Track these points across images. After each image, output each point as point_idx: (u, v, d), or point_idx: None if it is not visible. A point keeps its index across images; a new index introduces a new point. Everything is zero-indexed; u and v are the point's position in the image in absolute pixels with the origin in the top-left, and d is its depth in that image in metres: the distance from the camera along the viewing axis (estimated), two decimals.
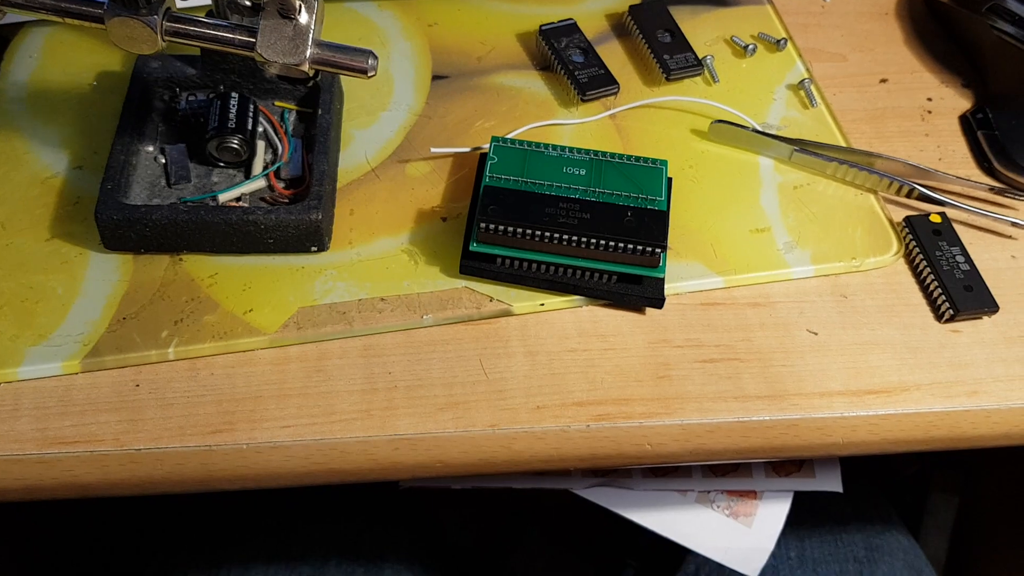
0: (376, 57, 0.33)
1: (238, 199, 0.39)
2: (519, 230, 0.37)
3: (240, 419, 0.34)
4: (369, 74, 0.33)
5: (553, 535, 0.53)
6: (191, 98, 0.42)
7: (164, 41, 0.32)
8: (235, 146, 0.40)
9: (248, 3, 0.32)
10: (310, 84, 0.38)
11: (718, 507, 0.47)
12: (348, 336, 0.37)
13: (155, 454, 0.34)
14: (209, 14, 0.38)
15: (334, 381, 0.36)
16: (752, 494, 0.48)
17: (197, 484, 0.34)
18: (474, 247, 0.37)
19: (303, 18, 0.32)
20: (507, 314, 0.38)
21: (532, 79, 0.47)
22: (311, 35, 0.32)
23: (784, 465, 0.49)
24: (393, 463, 0.35)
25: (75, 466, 0.33)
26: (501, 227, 0.37)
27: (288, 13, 0.31)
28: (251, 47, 0.32)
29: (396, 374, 0.36)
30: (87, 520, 0.61)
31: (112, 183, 0.37)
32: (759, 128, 0.44)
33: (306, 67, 0.33)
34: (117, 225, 0.37)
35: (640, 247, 0.36)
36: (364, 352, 0.37)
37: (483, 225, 0.37)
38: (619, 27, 0.49)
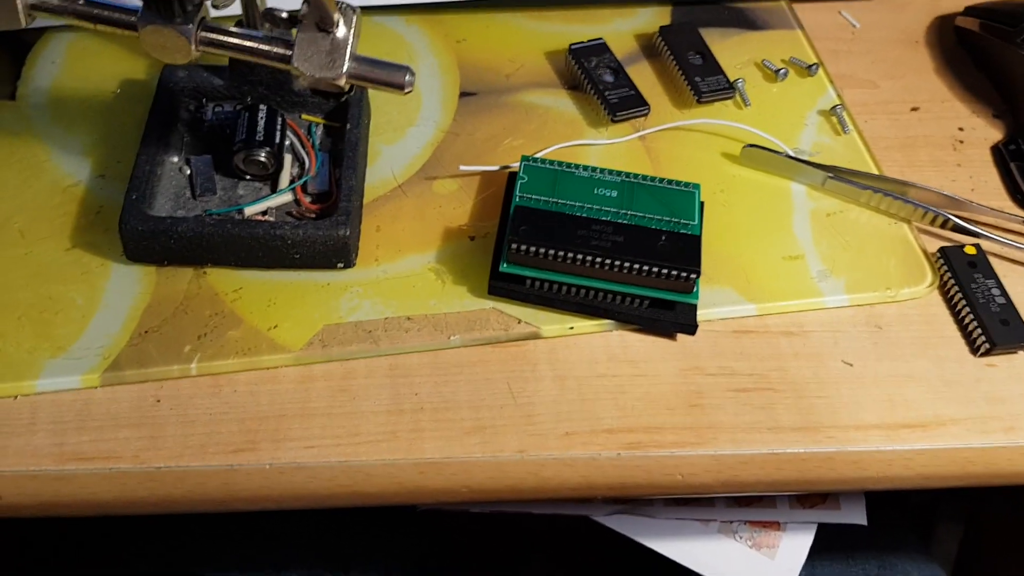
0: (413, 73, 0.32)
1: (264, 213, 0.39)
2: (551, 251, 0.36)
3: (263, 438, 0.34)
4: (406, 90, 0.32)
5: (559, 561, 0.52)
6: (217, 109, 0.41)
7: (198, 51, 0.32)
8: (262, 159, 0.39)
9: (285, 15, 0.32)
10: (343, 99, 0.37)
11: (740, 537, 0.46)
12: (374, 355, 0.36)
13: (175, 473, 0.33)
14: (239, 24, 0.37)
15: (359, 401, 0.35)
16: (775, 525, 0.47)
17: (217, 504, 0.34)
18: (504, 268, 0.37)
19: (340, 31, 0.32)
20: (535, 337, 0.37)
21: (561, 98, 0.46)
22: (349, 49, 0.32)
23: (809, 496, 0.48)
24: (418, 487, 0.34)
25: (92, 483, 0.32)
26: (532, 248, 0.36)
27: (326, 26, 0.31)
28: (287, 60, 0.32)
29: (422, 395, 0.35)
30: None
31: (137, 193, 0.37)
32: (792, 153, 0.44)
33: (342, 82, 0.32)
34: (142, 236, 0.36)
35: (674, 272, 0.36)
36: (390, 372, 0.36)
37: (514, 246, 0.36)
38: (648, 48, 0.49)
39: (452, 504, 0.44)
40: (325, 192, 0.40)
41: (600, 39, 0.47)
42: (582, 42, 0.47)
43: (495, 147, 0.44)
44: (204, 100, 0.41)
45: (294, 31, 0.32)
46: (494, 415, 0.35)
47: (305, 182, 0.40)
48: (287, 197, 0.39)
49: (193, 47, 0.31)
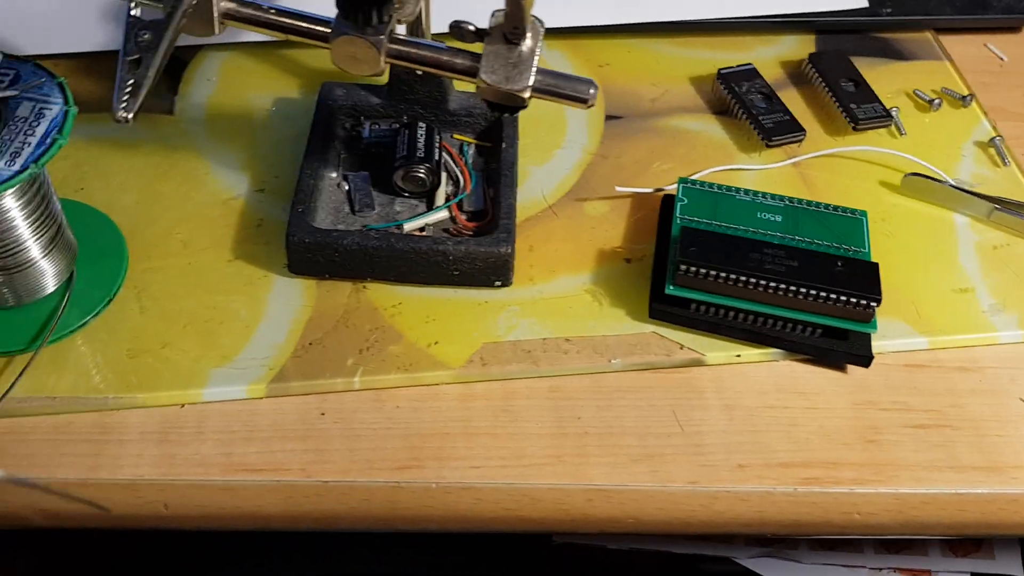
0: (596, 87, 0.32)
1: (422, 229, 0.38)
2: (722, 275, 0.35)
3: (428, 456, 0.33)
4: (589, 104, 0.32)
5: None
6: (374, 127, 0.41)
7: (385, 63, 0.32)
8: (422, 175, 0.39)
9: (472, 28, 0.31)
10: (516, 113, 0.36)
11: None
12: (533, 376, 0.36)
13: (342, 487, 0.32)
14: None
15: (522, 422, 0.34)
16: (926, 574, 0.45)
17: (380, 522, 0.33)
18: (670, 290, 0.36)
19: (527, 44, 0.31)
20: (698, 364, 0.36)
21: (708, 123, 0.45)
22: (535, 61, 0.31)
23: (962, 544, 0.45)
24: (585, 515, 0.33)
25: (260, 495, 0.32)
26: (702, 271, 0.35)
27: (515, 38, 0.31)
28: (473, 72, 0.32)
29: (586, 420, 0.34)
30: None
31: (302, 207, 0.37)
32: (955, 184, 0.42)
33: (527, 94, 0.31)
34: (307, 249, 0.36)
35: (854, 299, 0.34)
36: (551, 394, 0.35)
37: (683, 268, 0.35)
38: (796, 75, 0.48)
39: (592, 538, 0.42)
40: (480, 211, 0.39)
41: (750, 64, 0.46)
42: (731, 67, 0.46)
43: (644, 170, 0.43)
44: (361, 118, 0.41)
45: (479, 45, 0.32)
46: (662, 443, 0.34)
47: (461, 200, 0.39)
48: (444, 214, 0.39)
49: (382, 59, 0.31)
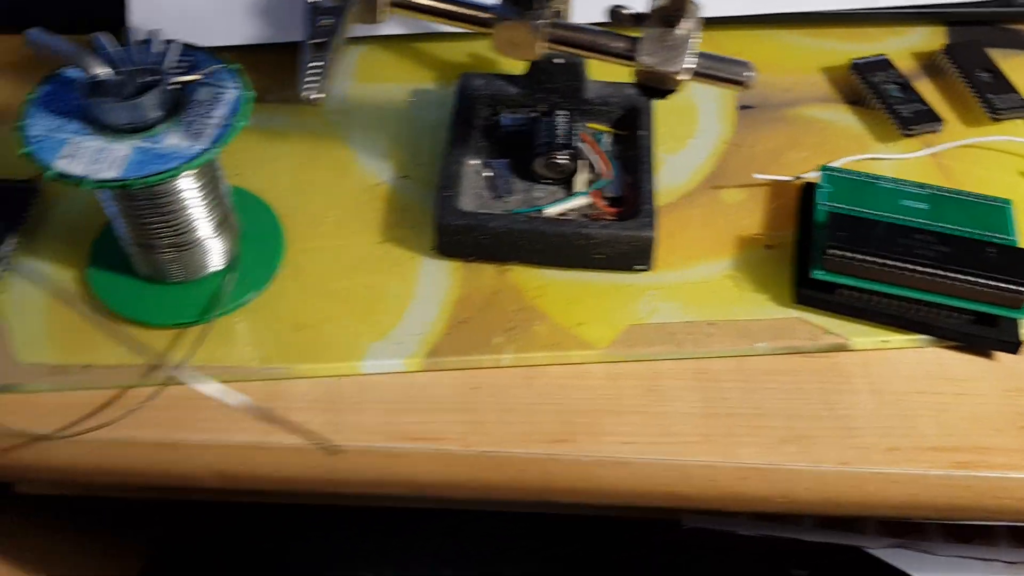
0: (754, 69, 0.32)
1: (562, 214, 0.39)
2: (871, 260, 0.35)
3: (581, 431, 0.34)
4: (746, 86, 0.32)
5: None
6: (512, 115, 0.42)
7: (544, 47, 0.33)
8: (563, 162, 0.40)
9: (631, 12, 0.32)
10: (665, 97, 0.37)
11: None
12: (678, 358, 0.36)
13: (498, 458, 0.33)
14: None
15: (670, 402, 0.35)
16: None
17: (533, 493, 0.34)
18: (817, 275, 0.36)
19: (685, 26, 0.32)
20: (843, 348, 0.36)
21: (841, 112, 0.45)
22: (691, 44, 0.32)
23: None
24: (735, 493, 0.33)
25: (420, 462, 0.33)
26: (852, 255, 0.35)
27: (674, 20, 0.31)
28: (631, 55, 0.32)
29: (733, 401, 0.35)
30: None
31: (449, 191, 0.38)
32: None
33: (684, 76, 0.32)
34: (456, 231, 0.37)
35: (1006, 285, 0.34)
36: (696, 375, 0.36)
37: (833, 252, 0.35)
38: (929, 66, 0.47)
39: (722, 522, 0.43)
40: (617, 197, 0.40)
41: (883, 55, 0.46)
42: (865, 57, 0.46)
43: (778, 159, 0.43)
44: (499, 107, 0.43)
45: (636, 30, 0.33)
46: (810, 425, 0.34)
47: (601, 186, 0.40)
48: (586, 200, 0.40)
49: (542, 43, 0.32)
